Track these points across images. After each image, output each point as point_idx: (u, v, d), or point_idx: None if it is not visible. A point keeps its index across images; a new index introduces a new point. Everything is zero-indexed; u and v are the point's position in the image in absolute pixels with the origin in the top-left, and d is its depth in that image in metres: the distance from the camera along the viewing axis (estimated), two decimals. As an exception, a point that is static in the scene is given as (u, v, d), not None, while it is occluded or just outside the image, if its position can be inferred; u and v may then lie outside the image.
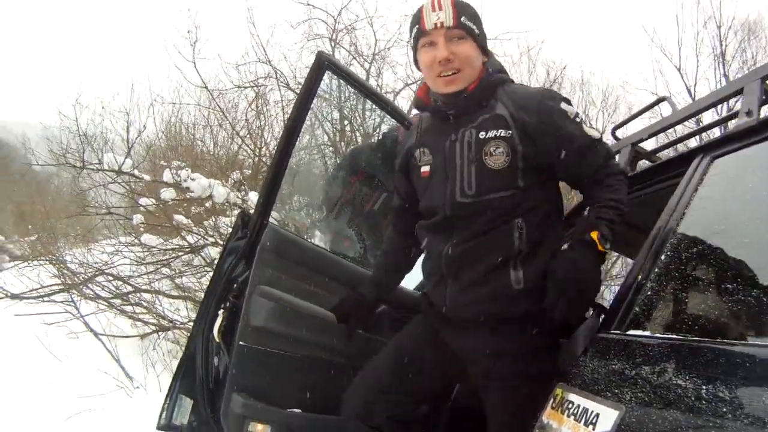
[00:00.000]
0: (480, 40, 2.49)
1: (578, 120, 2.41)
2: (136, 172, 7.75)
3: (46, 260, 9.12)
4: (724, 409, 1.33)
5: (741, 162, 2.12)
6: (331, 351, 3.17)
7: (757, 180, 2.03)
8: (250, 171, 9.78)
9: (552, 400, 1.99)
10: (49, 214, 10.66)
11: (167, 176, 7.46)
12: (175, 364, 7.65)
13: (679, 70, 17.41)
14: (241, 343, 2.86)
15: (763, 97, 2.29)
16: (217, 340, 2.99)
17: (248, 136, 9.87)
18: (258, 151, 9.87)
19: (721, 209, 2.13)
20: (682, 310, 1.98)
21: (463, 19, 2.41)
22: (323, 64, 2.92)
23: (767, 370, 1.37)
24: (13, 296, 8.38)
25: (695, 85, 17.22)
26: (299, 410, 3.05)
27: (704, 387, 1.44)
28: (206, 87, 9.23)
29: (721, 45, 17.23)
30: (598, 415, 1.68)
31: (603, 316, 2.74)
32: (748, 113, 2.21)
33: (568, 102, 2.44)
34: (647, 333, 1.90)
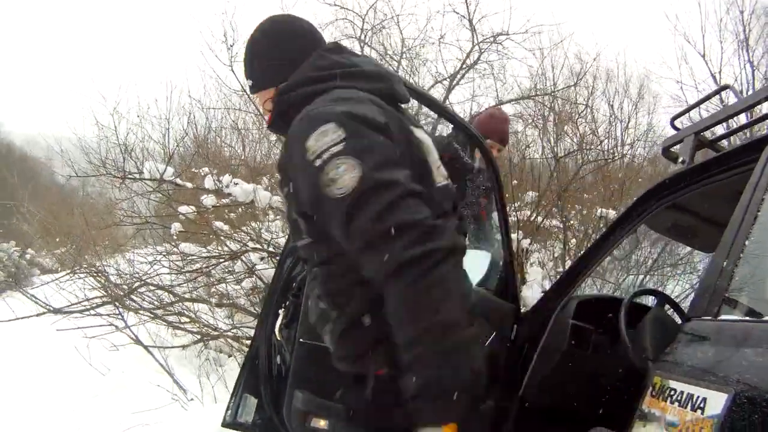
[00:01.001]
0: (257, 80, 2.23)
1: (317, 165, 1.74)
2: (178, 180, 7.83)
3: (87, 273, 9.18)
4: None
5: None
6: None
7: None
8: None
9: (651, 389, 2.02)
10: (88, 226, 10.75)
11: (209, 183, 7.55)
12: (222, 372, 7.71)
13: (703, 57, 17.38)
14: (301, 339, 2.89)
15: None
16: (279, 338, 3.01)
17: (279, 140, 9.99)
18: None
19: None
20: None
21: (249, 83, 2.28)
22: None
23: None
24: (56, 311, 8.39)
25: (720, 72, 17.18)
26: None
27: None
28: (245, 90, 9.32)
29: (745, 30, 17.19)
30: (705, 399, 1.72)
31: (666, 305, 2.80)
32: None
33: (325, 126, 1.77)
34: (742, 318, 1.94)
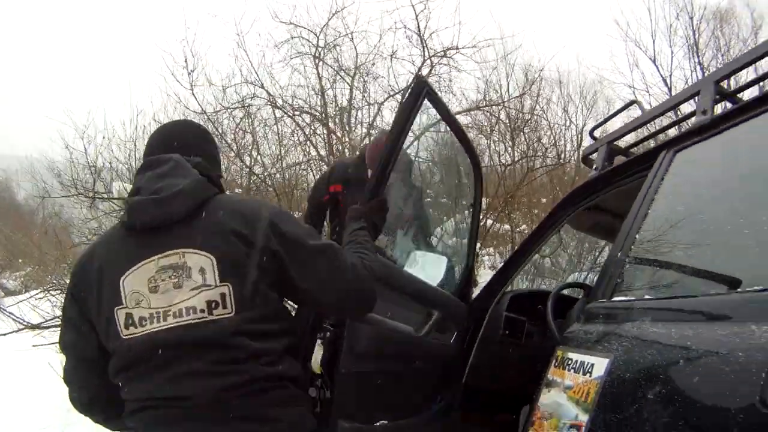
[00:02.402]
0: None
1: None
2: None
3: (60, 290, 9.42)
4: (688, 343, 1.74)
5: (699, 154, 2.51)
6: (413, 360, 3.39)
7: (711, 167, 2.45)
8: (241, 190, 10.17)
9: (554, 361, 2.39)
10: (62, 246, 11.00)
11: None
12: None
13: (654, 61, 17.95)
14: (343, 370, 2.90)
15: (716, 97, 2.67)
16: (318, 371, 2.95)
17: (237, 156, 10.27)
18: (249, 169, 10.26)
19: (684, 194, 2.54)
20: (654, 279, 2.39)
21: None
22: (423, 89, 2.92)
23: (711, 314, 1.79)
24: (33, 326, 8.62)
25: (671, 76, 17.74)
26: (386, 420, 3.21)
27: (673, 330, 1.85)
28: (204, 112, 9.65)
29: (695, 35, 17.76)
30: (593, 365, 2.09)
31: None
32: (704, 112, 2.61)
33: None
34: (627, 298, 2.32)
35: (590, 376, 2.08)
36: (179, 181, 2.12)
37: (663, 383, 1.75)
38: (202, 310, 2.02)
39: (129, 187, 7.85)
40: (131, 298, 2.06)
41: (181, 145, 2.32)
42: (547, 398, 2.34)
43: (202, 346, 2.01)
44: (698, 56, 18.07)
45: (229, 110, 10.28)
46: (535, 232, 3.71)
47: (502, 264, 4.17)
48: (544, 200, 10.34)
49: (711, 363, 1.64)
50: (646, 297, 2.22)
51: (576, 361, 2.22)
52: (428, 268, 3.96)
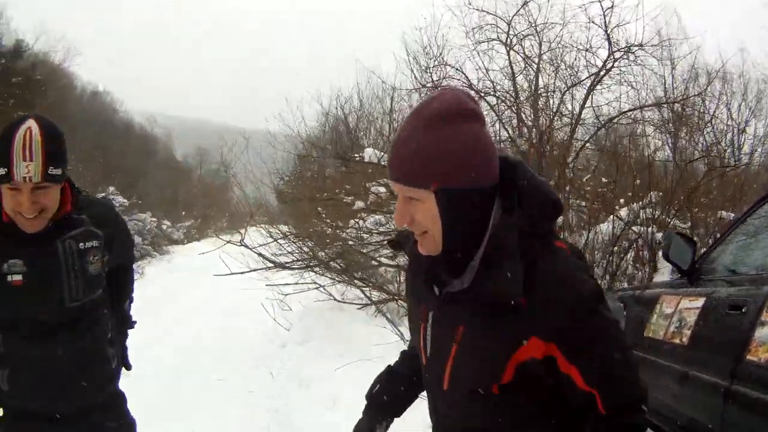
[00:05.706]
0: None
1: None
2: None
3: (301, 238, 10.88)
4: None
5: None
6: None
7: None
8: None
9: (765, 308, 3.06)
10: (293, 202, 12.93)
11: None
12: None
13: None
14: None
15: None
16: None
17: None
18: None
19: None
20: None
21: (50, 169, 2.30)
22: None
23: None
24: (281, 266, 9.94)
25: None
26: None
27: None
28: (434, 83, 10.99)
29: None
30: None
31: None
32: None
33: None
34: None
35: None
36: None
37: None
38: None
39: (378, 153, 9.46)
40: None
41: None
42: (761, 333, 3.05)
43: None
44: None
45: (419, 90, 11.50)
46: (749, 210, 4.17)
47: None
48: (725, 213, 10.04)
49: None
50: None
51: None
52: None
